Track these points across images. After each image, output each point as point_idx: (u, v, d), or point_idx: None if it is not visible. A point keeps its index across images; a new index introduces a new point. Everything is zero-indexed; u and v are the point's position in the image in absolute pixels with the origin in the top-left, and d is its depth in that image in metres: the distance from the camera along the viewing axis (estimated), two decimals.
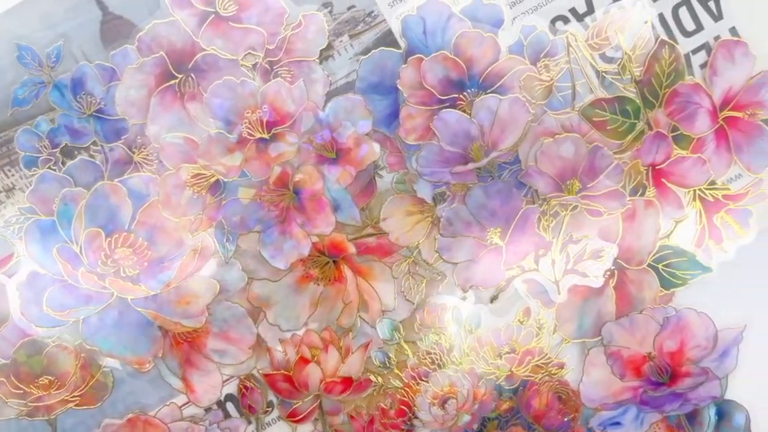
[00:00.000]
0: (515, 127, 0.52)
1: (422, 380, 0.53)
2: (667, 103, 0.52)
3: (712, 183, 0.53)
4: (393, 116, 0.52)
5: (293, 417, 0.53)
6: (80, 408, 0.52)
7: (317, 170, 0.51)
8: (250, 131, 0.51)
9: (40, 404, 0.52)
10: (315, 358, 0.52)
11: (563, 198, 0.52)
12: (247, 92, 0.51)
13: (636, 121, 0.52)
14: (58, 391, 0.52)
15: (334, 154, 0.51)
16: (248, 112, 0.51)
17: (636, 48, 0.52)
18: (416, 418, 0.53)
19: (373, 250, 0.53)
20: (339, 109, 0.51)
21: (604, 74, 0.52)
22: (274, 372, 0.52)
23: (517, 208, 0.52)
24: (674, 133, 0.52)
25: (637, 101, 0.52)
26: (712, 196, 0.53)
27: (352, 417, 0.53)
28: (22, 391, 0.52)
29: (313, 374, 0.52)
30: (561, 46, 0.52)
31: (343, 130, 0.51)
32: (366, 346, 0.53)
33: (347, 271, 0.53)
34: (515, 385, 0.54)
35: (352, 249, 0.52)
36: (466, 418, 0.53)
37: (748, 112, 0.52)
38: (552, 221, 0.53)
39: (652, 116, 0.52)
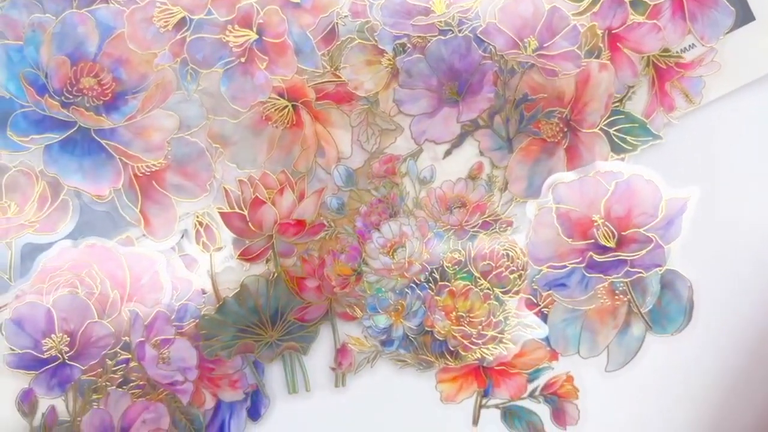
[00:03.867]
0: None
1: (374, 228, 0.54)
2: None
3: (666, 51, 0.54)
4: None
5: (246, 255, 0.54)
6: (38, 234, 0.53)
7: (281, 13, 0.53)
8: None
9: None
10: (270, 199, 0.54)
11: (520, 56, 0.53)
12: None
13: None
14: (16, 216, 0.53)
15: None
16: None
17: None
18: (366, 264, 0.54)
19: (331, 97, 0.54)
20: None
21: None
22: (230, 210, 0.54)
23: (474, 63, 0.54)
24: None
25: None
26: (666, 63, 0.55)
27: (303, 259, 0.54)
28: None
29: (267, 215, 0.54)
30: None
31: None
32: (320, 191, 0.54)
33: (305, 116, 0.54)
34: (464, 240, 0.55)
35: (311, 94, 0.53)
36: (416, 267, 0.54)
37: None
38: (509, 78, 0.54)
39: None
